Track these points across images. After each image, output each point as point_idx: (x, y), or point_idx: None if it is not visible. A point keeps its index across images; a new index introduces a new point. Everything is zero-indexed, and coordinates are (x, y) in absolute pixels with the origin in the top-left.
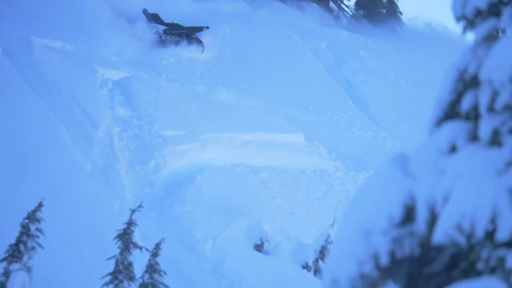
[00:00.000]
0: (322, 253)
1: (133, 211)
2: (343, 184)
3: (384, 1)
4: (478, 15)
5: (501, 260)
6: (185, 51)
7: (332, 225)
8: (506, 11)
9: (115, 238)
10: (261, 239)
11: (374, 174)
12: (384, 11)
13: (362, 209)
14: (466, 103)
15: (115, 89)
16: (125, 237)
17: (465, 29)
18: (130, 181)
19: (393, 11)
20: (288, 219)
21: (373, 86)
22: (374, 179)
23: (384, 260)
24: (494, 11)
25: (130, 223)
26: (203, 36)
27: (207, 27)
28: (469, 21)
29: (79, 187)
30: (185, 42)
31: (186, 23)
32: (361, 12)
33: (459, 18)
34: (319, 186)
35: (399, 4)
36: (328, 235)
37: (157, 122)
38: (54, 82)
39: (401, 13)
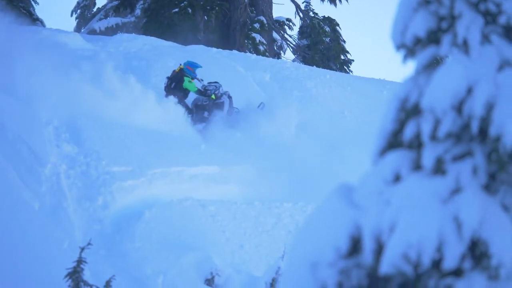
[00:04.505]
0: (273, 285)
1: (82, 249)
2: (292, 216)
3: (327, 30)
4: (418, 43)
5: None
6: None
7: (282, 257)
8: (446, 39)
9: (65, 276)
10: (211, 273)
11: (319, 205)
12: (327, 39)
13: (308, 241)
14: (408, 132)
15: (60, 126)
16: (75, 276)
17: (405, 57)
18: (79, 219)
19: (336, 39)
20: (238, 252)
21: (318, 115)
22: (320, 210)
23: None
24: (433, 38)
25: (80, 261)
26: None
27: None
28: (409, 49)
29: (28, 225)
30: None
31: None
32: (304, 41)
33: (398, 46)
34: (268, 218)
35: (342, 32)
36: (279, 267)
37: (104, 158)
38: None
39: (344, 41)
